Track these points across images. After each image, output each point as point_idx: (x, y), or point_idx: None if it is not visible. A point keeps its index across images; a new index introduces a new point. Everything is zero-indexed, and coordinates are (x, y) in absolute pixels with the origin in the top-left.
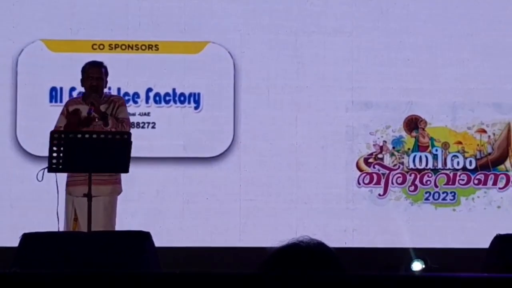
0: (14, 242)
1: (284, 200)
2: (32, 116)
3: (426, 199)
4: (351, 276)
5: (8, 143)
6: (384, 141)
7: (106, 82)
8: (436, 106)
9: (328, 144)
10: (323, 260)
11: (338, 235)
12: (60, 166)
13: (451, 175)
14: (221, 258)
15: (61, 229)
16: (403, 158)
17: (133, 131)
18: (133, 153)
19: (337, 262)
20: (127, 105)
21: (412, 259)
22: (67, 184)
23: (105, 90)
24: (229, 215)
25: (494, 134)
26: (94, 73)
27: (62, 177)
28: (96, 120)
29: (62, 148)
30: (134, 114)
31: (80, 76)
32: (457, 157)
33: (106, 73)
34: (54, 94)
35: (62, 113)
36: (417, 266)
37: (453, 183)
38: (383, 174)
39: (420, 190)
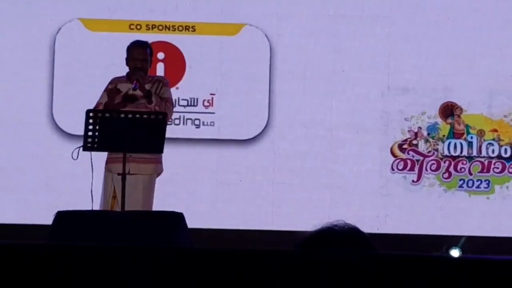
0: (49, 220)
1: (317, 184)
2: (68, 95)
3: (460, 186)
4: (384, 255)
5: (44, 121)
6: (419, 127)
7: (151, 62)
8: (473, 93)
9: (363, 129)
10: (356, 244)
11: (370, 221)
12: (95, 145)
13: (485, 162)
14: (253, 241)
15: (98, 206)
16: (437, 144)
17: None
18: (168, 134)
19: (371, 247)
20: None
21: (454, 245)
22: (108, 162)
23: None
24: (262, 198)
25: None
26: (139, 55)
27: (97, 155)
28: (139, 98)
29: (97, 127)
30: None
31: (118, 55)
32: (492, 145)
33: (151, 53)
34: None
35: (105, 90)
36: (454, 254)
37: (488, 171)
38: (417, 161)
39: (454, 177)
